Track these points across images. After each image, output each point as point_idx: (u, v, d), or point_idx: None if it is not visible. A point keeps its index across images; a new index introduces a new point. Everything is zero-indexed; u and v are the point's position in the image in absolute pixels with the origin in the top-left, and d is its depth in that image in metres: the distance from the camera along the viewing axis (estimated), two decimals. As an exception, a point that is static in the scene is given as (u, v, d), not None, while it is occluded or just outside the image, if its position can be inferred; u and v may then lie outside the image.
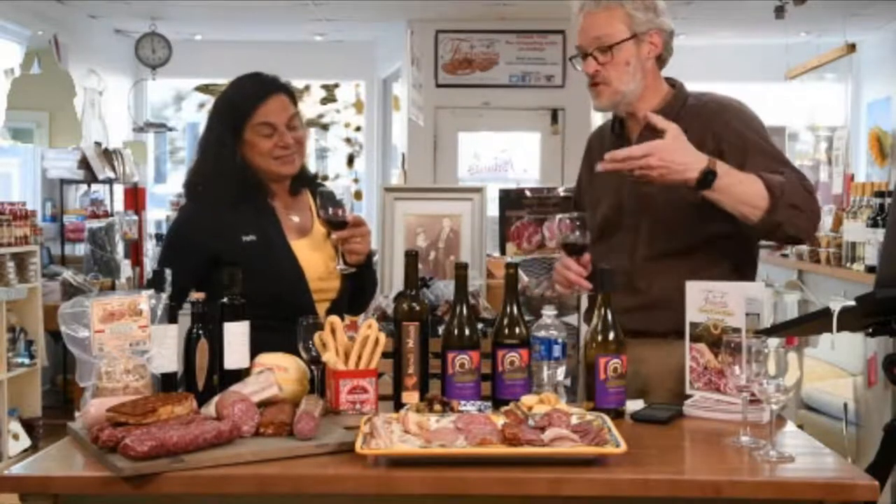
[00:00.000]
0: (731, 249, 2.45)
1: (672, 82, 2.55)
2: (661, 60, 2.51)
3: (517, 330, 2.18)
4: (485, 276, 2.73)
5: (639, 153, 2.22)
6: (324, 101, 11.16)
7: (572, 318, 2.63)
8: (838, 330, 2.24)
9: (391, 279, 2.73)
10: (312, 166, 10.17)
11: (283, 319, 2.28)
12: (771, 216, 2.24)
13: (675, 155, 2.22)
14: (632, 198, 2.48)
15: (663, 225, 2.44)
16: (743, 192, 2.25)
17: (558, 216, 2.45)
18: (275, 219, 2.60)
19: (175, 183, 9.59)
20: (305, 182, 2.69)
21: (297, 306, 2.42)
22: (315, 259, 2.60)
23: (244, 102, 2.56)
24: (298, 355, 2.19)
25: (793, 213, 2.26)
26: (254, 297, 2.21)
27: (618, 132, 2.56)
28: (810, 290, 5.75)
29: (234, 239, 2.53)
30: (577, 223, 2.39)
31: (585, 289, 2.39)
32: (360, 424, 1.88)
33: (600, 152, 2.58)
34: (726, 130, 2.40)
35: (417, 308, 2.19)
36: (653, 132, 2.35)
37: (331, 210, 2.49)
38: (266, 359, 2.16)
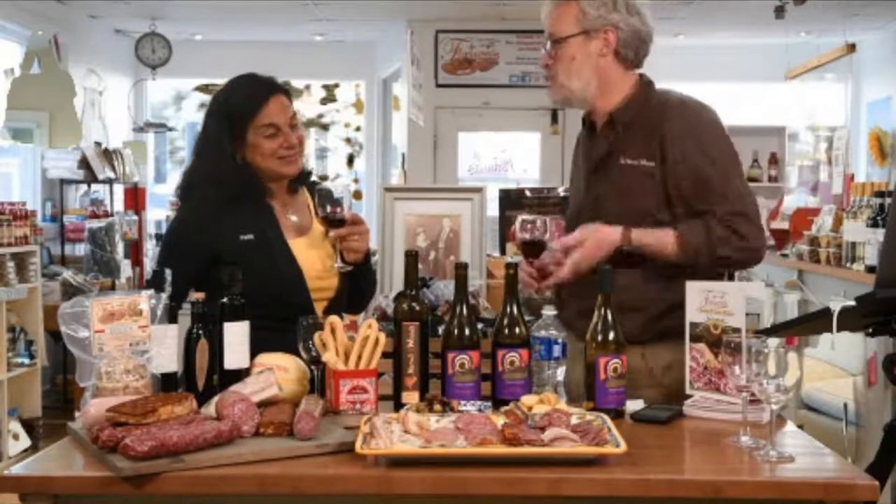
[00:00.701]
0: None
1: (643, 79, 2.51)
2: (622, 57, 2.45)
3: (517, 330, 2.18)
4: (485, 276, 2.73)
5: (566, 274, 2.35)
6: (324, 101, 11.15)
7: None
8: (838, 330, 2.24)
9: (391, 279, 2.73)
10: (312, 167, 10.17)
11: (282, 318, 2.28)
12: (695, 268, 2.31)
13: (595, 252, 2.32)
14: (588, 202, 2.48)
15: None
16: (660, 258, 2.34)
17: (520, 217, 2.46)
18: (273, 218, 2.60)
19: (175, 183, 9.57)
20: (303, 180, 2.70)
21: (295, 305, 2.43)
22: (313, 257, 2.60)
23: (245, 104, 2.56)
24: (298, 355, 2.19)
25: (718, 263, 2.32)
26: (252, 296, 2.21)
27: (588, 127, 2.57)
28: (810, 290, 5.74)
29: (233, 238, 2.53)
30: (533, 225, 2.40)
31: (529, 289, 2.41)
32: (360, 424, 1.88)
33: (581, 147, 2.60)
34: (673, 136, 2.37)
35: (417, 308, 2.19)
36: (612, 129, 2.43)
37: (329, 208, 2.49)
38: (266, 359, 2.16)
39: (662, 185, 2.37)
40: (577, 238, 2.35)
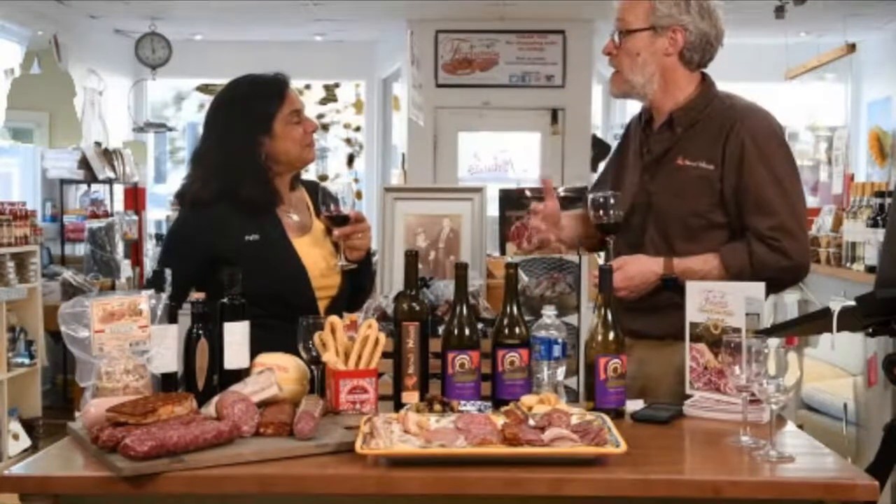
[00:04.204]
0: None
1: (706, 80, 2.51)
2: (686, 59, 2.45)
3: (517, 330, 2.18)
4: (485, 276, 2.72)
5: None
6: (324, 101, 11.14)
7: (572, 318, 2.62)
8: (838, 330, 2.24)
9: (391, 279, 2.72)
10: (312, 166, 10.18)
11: (286, 318, 2.28)
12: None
13: (633, 280, 2.36)
14: (641, 199, 2.49)
15: (665, 229, 2.45)
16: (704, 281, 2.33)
17: (590, 195, 2.48)
18: (275, 217, 2.61)
19: (175, 183, 9.55)
20: (299, 178, 2.72)
21: (299, 304, 2.43)
22: (316, 256, 2.61)
23: (270, 98, 2.58)
24: (298, 355, 2.19)
25: (765, 278, 2.26)
26: (257, 295, 2.21)
27: (645, 121, 2.57)
28: (810, 290, 5.74)
29: (237, 239, 2.53)
30: (609, 202, 2.42)
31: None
32: (360, 424, 1.88)
33: (634, 139, 2.60)
34: (733, 139, 2.38)
35: (417, 308, 2.19)
36: (671, 128, 2.43)
37: (332, 207, 2.51)
38: (266, 359, 2.16)
39: (720, 188, 2.39)
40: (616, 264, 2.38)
